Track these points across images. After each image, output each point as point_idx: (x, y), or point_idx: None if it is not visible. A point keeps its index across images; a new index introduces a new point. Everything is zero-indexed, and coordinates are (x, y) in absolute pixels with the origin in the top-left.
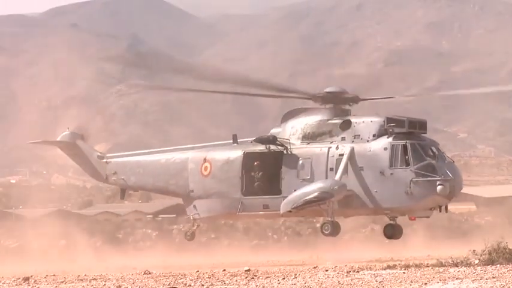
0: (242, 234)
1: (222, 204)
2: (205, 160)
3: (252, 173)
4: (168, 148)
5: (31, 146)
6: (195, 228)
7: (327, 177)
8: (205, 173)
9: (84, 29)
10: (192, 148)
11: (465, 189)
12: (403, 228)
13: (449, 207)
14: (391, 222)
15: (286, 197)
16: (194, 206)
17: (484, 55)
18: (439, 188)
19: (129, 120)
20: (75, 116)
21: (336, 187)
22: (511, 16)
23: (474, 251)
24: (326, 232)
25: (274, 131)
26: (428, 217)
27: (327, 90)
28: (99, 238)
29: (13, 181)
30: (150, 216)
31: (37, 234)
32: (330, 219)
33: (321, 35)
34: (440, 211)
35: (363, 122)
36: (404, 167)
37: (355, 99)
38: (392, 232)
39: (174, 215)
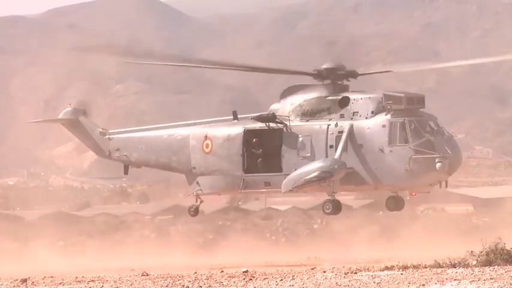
0: (240, 235)
1: (224, 181)
2: (206, 137)
3: (253, 150)
4: (170, 124)
5: (29, 147)
6: (198, 204)
7: (327, 155)
8: (207, 150)
9: (83, 30)
10: (194, 124)
11: (463, 190)
12: (404, 201)
13: (446, 208)
14: (393, 194)
15: (287, 174)
16: (197, 183)
17: (482, 55)
18: (438, 165)
19: (127, 121)
20: None
21: (335, 166)
22: (508, 16)
23: (472, 252)
24: (327, 211)
25: (273, 107)
26: (428, 192)
27: (325, 66)
28: (96, 239)
29: (11, 183)
30: (149, 217)
31: (35, 236)
32: (330, 198)
33: (319, 35)
34: (440, 186)
35: (361, 98)
36: (403, 144)
37: (353, 74)
38: (394, 204)
39: (172, 216)
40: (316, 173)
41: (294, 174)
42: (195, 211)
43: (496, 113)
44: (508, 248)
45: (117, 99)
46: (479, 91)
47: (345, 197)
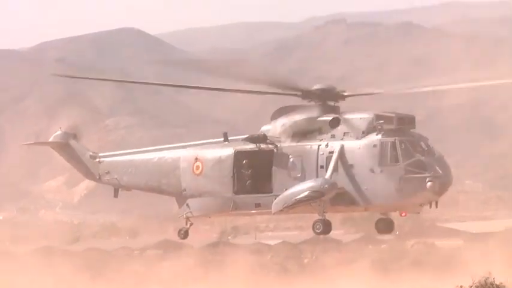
0: (229, 269)
1: (214, 202)
2: (196, 159)
3: (244, 172)
4: (160, 147)
5: (18, 182)
6: (188, 226)
7: (317, 175)
8: (197, 172)
9: (72, 63)
10: (184, 146)
11: (452, 225)
12: (394, 223)
13: (436, 242)
14: (383, 216)
15: (277, 195)
16: (187, 205)
17: (472, 89)
18: (428, 184)
19: None
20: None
21: (326, 186)
22: (496, 50)
23: (461, 286)
24: (318, 231)
25: (264, 128)
26: (418, 213)
27: (316, 87)
28: (86, 274)
29: (0, 217)
30: (138, 251)
31: (25, 271)
32: (321, 217)
33: (309, 69)
34: (430, 207)
35: (352, 119)
36: (394, 164)
37: (343, 96)
38: (384, 226)
39: (162, 251)
40: (306, 193)
41: (285, 194)
42: (184, 234)
43: (486, 147)
44: (497, 282)
45: (107, 133)
46: (470, 125)
47: (335, 232)
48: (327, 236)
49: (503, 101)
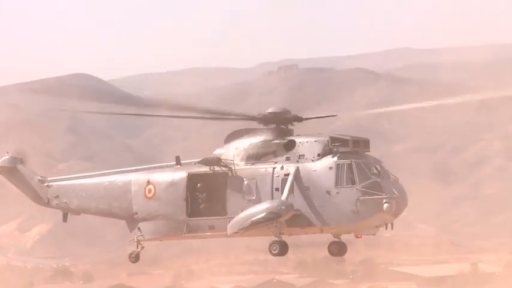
0: None
1: (167, 226)
2: (149, 182)
3: (197, 194)
4: (110, 171)
5: None
6: (139, 250)
7: (272, 197)
8: (149, 195)
9: (24, 109)
10: (135, 170)
11: (406, 269)
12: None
13: (390, 286)
14: (336, 239)
15: (232, 217)
16: (138, 228)
17: (424, 134)
18: (385, 206)
19: None
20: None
21: (283, 207)
22: (450, 96)
23: None
24: (274, 252)
25: (217, 152)
26: (374, 234)
27: (270, 110)
28: None
29: None
30: None
31: None
32: (277, 239)
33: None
34: (386, 228)
35: (307, 141)
36: (350, 185)
37: (298, 119)
38: (337, 249)
39: None
40: (263, 214)
41: (240, 216)
42: (135, 257)
43: (438, 191)
44: None
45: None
46: (422, 169)
47: (288, 276)
48: (281, 280)
49: (455, 146)
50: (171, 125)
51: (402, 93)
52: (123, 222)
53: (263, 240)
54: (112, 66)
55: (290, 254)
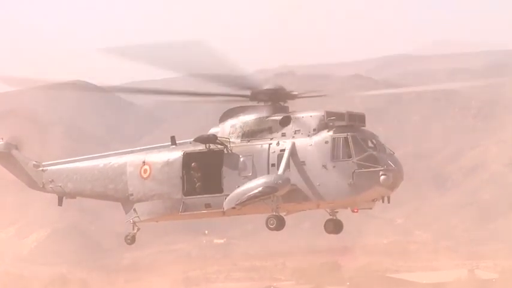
0: None
1: (163, 205)
2: (144, 163)
3: (193, 173)
4: (105, 153)
5: None
6: (135, 231)
7: (268, 173)
8: (145, 175)
9: (22, 115)
10: (131, 152)
11: (402, 275)
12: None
13: None
14: (332, 217)
15: (227, 195)
16: (134, 210)
17: (421, 141)
18: (382, 178)
19: (67, 207)
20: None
21: (280, 181)
22: (447, 103)
23: None
24: (271, 226)
25: (213, 130)
26: (371, 208)
27: (266, 87)
28: None
29: None
30: None
31: None
32: (274, 213)
33: None
34: (383, 202)
35: (303, 117)
36: (346, 159)
37: (293, 96)
38: (333, 227)
39: None
40: (260, 188)
41: (237, 191)
42: (131, 239)
43: (435, 198)
44: None
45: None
46: (418, 176)
47: (285, 283)
48: (278, 287)
49: (451, 152)
50: (169, 133)
51: (400, 99)
52: (120, 230)
53: (260, 247)
54: (108, 72)
55: (287, 261)
